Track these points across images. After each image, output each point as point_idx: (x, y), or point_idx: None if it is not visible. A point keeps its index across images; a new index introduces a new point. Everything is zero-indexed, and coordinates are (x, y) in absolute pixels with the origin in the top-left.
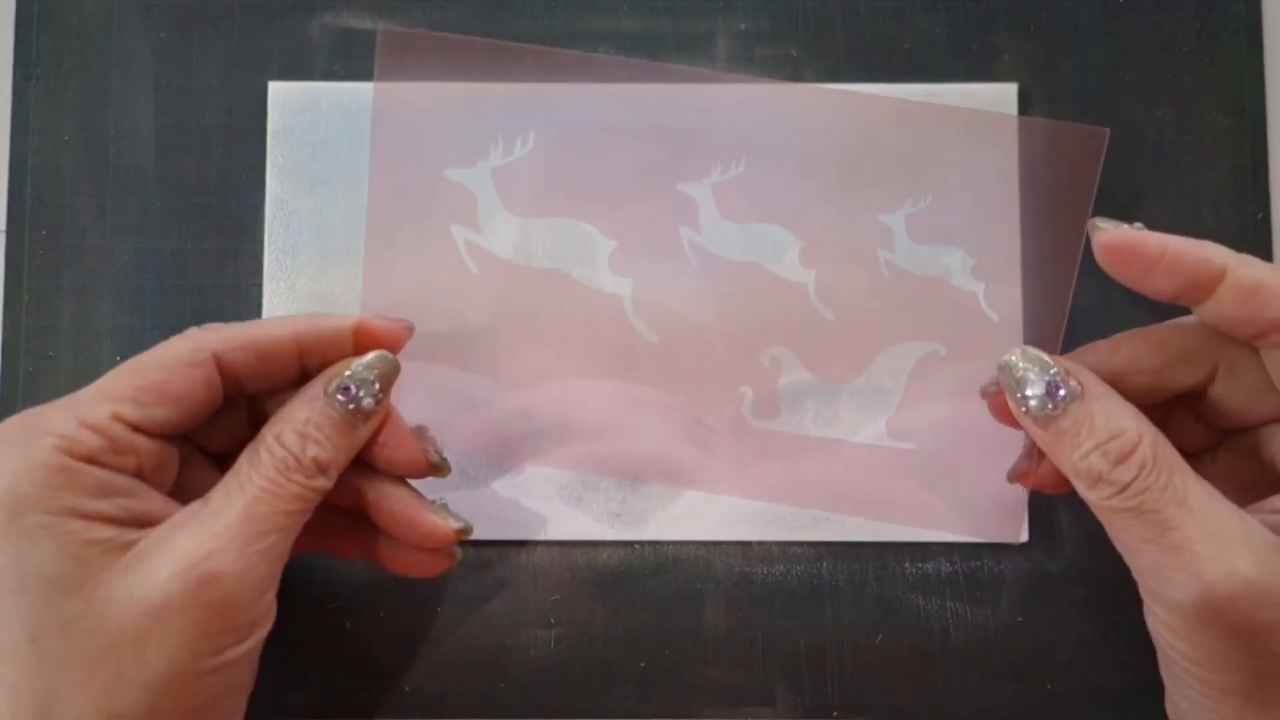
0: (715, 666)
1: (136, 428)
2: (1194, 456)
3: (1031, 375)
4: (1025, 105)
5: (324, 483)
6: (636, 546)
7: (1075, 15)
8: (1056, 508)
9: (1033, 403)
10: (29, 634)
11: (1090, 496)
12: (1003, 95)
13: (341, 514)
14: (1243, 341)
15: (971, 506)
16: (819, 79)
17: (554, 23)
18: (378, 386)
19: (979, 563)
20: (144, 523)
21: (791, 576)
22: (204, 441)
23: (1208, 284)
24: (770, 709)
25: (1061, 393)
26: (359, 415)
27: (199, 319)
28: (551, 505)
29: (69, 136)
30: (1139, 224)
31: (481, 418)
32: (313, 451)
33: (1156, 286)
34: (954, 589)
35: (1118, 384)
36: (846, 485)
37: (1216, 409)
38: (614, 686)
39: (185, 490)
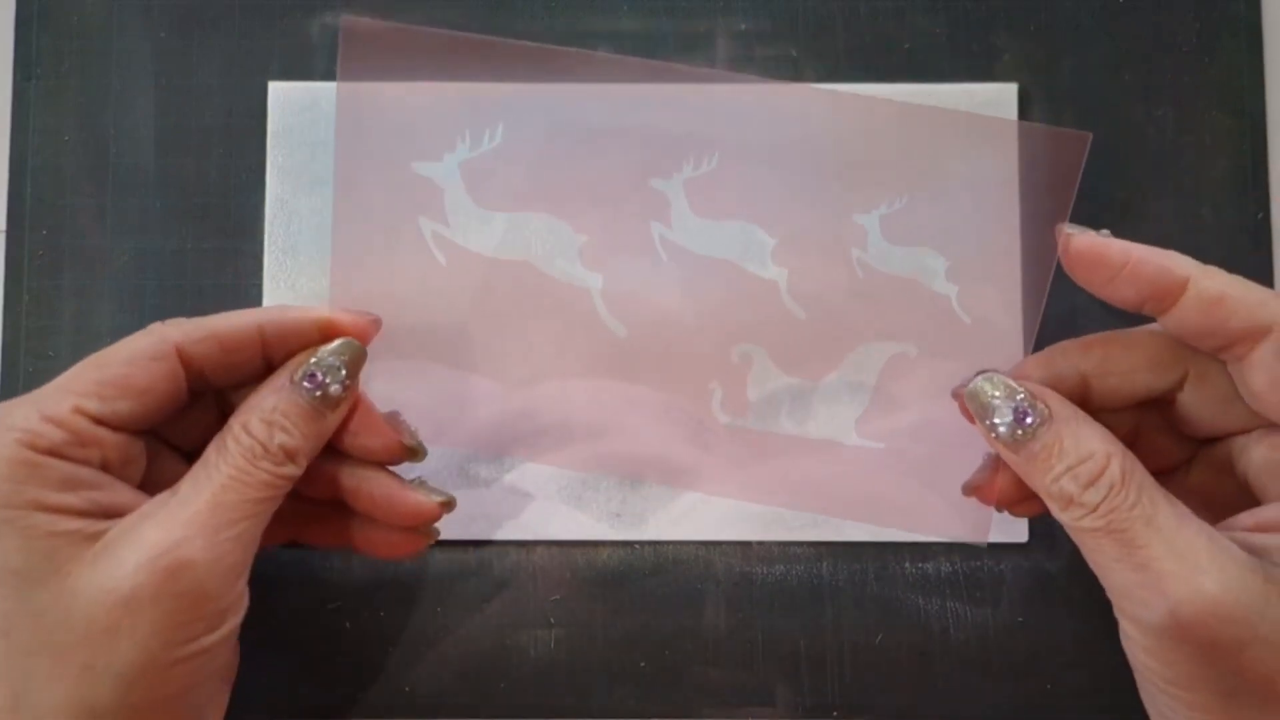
0: (715, 666)
1: (100, 421)
2: (1168, 472)
3: (998, 402)
4: (1025, 105)
5: (292, 470)
6: (636, 546)
7: (1075, 15)
8: None
9: (1001, 429)
10: (0, 627)
11: (1063, 518)
12: (1003, 95)
13: (318, 504)
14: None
15: (967, 508)
16: (819, 79)
17: (554, 22)
18: (344, 373)
19: (979, 563)
20: (111, 514)
21: (791, 576)
22: (172, 436)
23: (1170, 294)
24: (770, 709)
25: (1029, 419)
26: (326, 402)
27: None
28: (551, 505)
29: (69, 136)
30: (1105, 231)
31: (481, 418)
32: (280, 439)
33: (1120, 295)
34: (954, 589)
35: (1088, 385)
36: (844, 487)
37: (1187, 418)
38: (614, 686)
39: (154, 484)
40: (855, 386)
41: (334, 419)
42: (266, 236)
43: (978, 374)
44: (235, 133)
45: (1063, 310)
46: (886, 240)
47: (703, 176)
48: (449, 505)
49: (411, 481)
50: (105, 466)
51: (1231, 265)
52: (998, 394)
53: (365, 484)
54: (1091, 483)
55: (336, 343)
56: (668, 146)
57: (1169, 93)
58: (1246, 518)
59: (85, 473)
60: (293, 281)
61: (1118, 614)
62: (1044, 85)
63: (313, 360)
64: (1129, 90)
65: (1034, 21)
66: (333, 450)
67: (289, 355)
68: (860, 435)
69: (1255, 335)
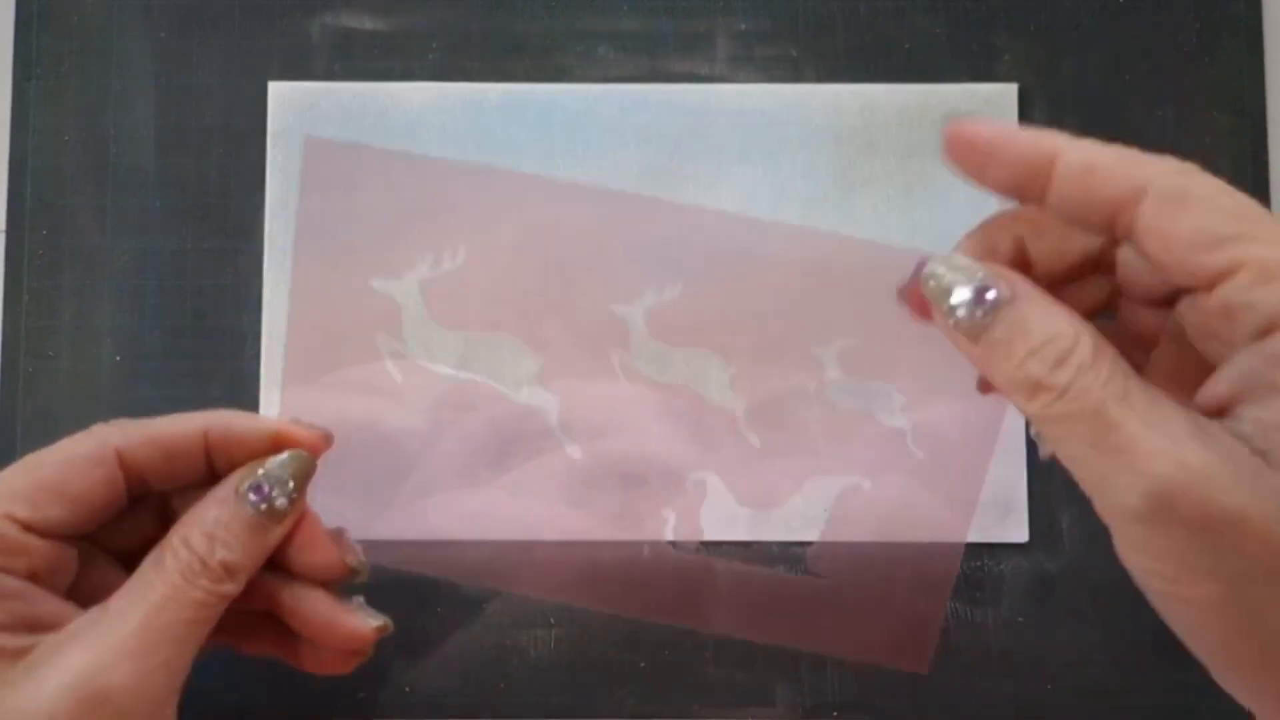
0: (715, 666)
1: (30, 527)
2: (1138, 350)
3: (958, 280)
4: (1025, 105)
5: (231, 588)
6: (637, 546)
7: (1075, 15)
8: (1056, 508)
9: (960, 312)
10: None
11: (1030, 409)
12: (1003, 95)
13: (251, 614)
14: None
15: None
16: (819, 79)
17: (554, 22)
18: (291, 486)
19: (979, 563)
20: (36, 628)
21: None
22: (108, 541)
23: (1041, 170)
24: (770, 709)
25: (991, 295)
26: (271, 517)
27: (199, 319)
28: (551, 505)
29: (69, 136)
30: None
31: (482, 418)
32: (221, 554)
33: (997, 180)
34: (954, 589)
35: (1025, 253)
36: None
37: (1131, 280)
38: (614, 686)
39: (85, 592)
40: (807, 518)
41: (278, 534)
42: (266, 236)
43: (926, 259)
44: (235, 133)
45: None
46: (844, 374)
47: (665, 303)
48: (384, 629)
49: (350, 601)
50: (33, 576)
51: None
52: (956, 273)
53: (303, 603)
54: (1060, 362)
55: (285, 455)
56: (631, 273)
57: (1169, 93)
58: (1212, 385)
59: (10, 583)
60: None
61: (1102, 515)
62: (1044, 85)
63: (260, 472)
64: (1129, 90)
65: (1034, 21)
66: (272, 564)
67: (234, 464)
68: (811, 567)
69: (1133, 200)
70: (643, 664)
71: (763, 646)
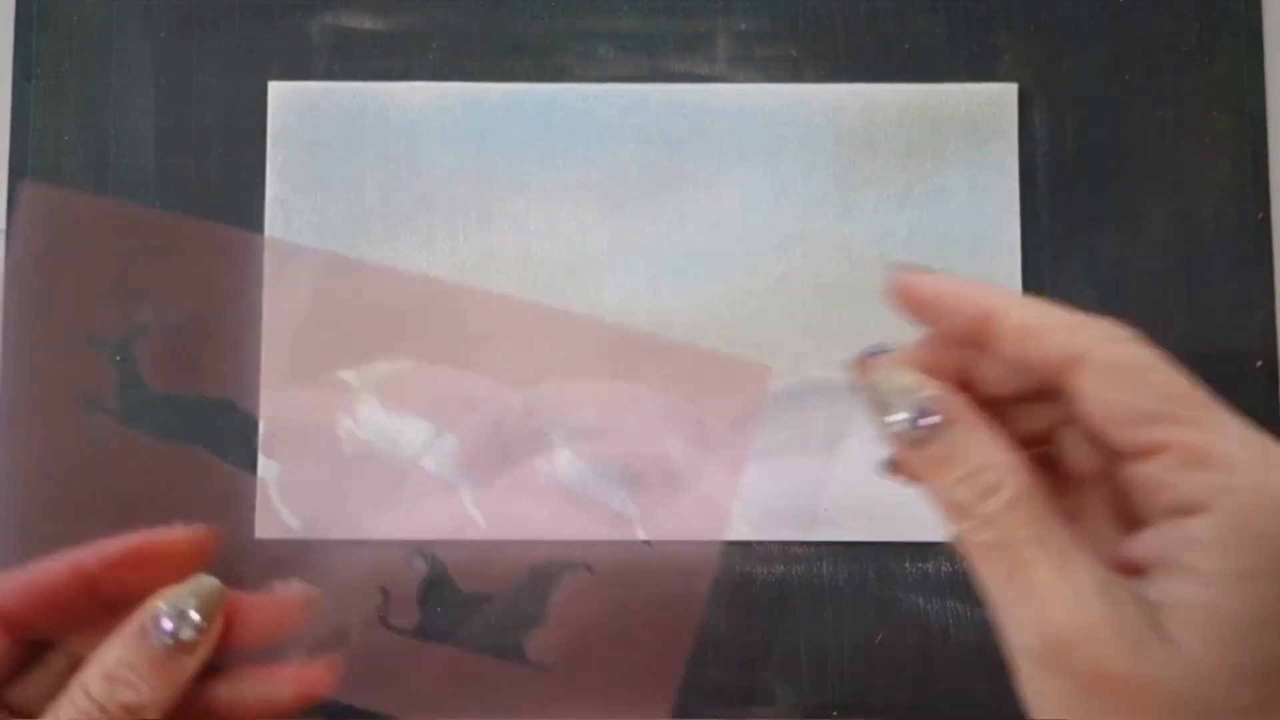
0: (715, 666)
1: None
2: (1074, 489)
3: (898, 402)
4: (1025, 105)
5: None
6: (637, 546)
7: (1075, 15)
8: None
9: (897, 427)
10: None
11: (958, 531)
12: (1003, 95)
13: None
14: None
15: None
16: (819, 79)
17: (554, 22)
18: (198, 618)
19: None
20: None
21: (791, 576)
22: (13, 699)
23: (984, 327)
24: (770, 709)
25: (928, 421)
26: (180, 649)
27: (199, 318)
28: (551, 505)
29: (69, 136)
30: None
31: (482, 418)
32: (123, 696)
33: (941, 328)
34: (954, 589)
35: (970, 369)
36: (844, 488)
37: (1074, 414)
38: (614, 687)
39: None
40: (530, 602)
41: (192, 663)
42: (266, 237)
43: (870, 353)
44: (235, 133)
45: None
46: (573, 456)
47: None
48: (310, 599)
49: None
50: None
51: (1231, 265)
52: (897, 392)
53: (244, 693)
54: (988, 494)
55: (190, 583)
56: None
57: (1169, 93)
58: (1131, 545)
59: None
60: (293, 281)
61: (1004, 644)
62: (1044, 85)
63: (161, 605)
64: (1129, 90)
65: (1034, 21)
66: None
67: (128, 593)
68: (532, 656)
69: (1069, 365)
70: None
71: (763, 646)
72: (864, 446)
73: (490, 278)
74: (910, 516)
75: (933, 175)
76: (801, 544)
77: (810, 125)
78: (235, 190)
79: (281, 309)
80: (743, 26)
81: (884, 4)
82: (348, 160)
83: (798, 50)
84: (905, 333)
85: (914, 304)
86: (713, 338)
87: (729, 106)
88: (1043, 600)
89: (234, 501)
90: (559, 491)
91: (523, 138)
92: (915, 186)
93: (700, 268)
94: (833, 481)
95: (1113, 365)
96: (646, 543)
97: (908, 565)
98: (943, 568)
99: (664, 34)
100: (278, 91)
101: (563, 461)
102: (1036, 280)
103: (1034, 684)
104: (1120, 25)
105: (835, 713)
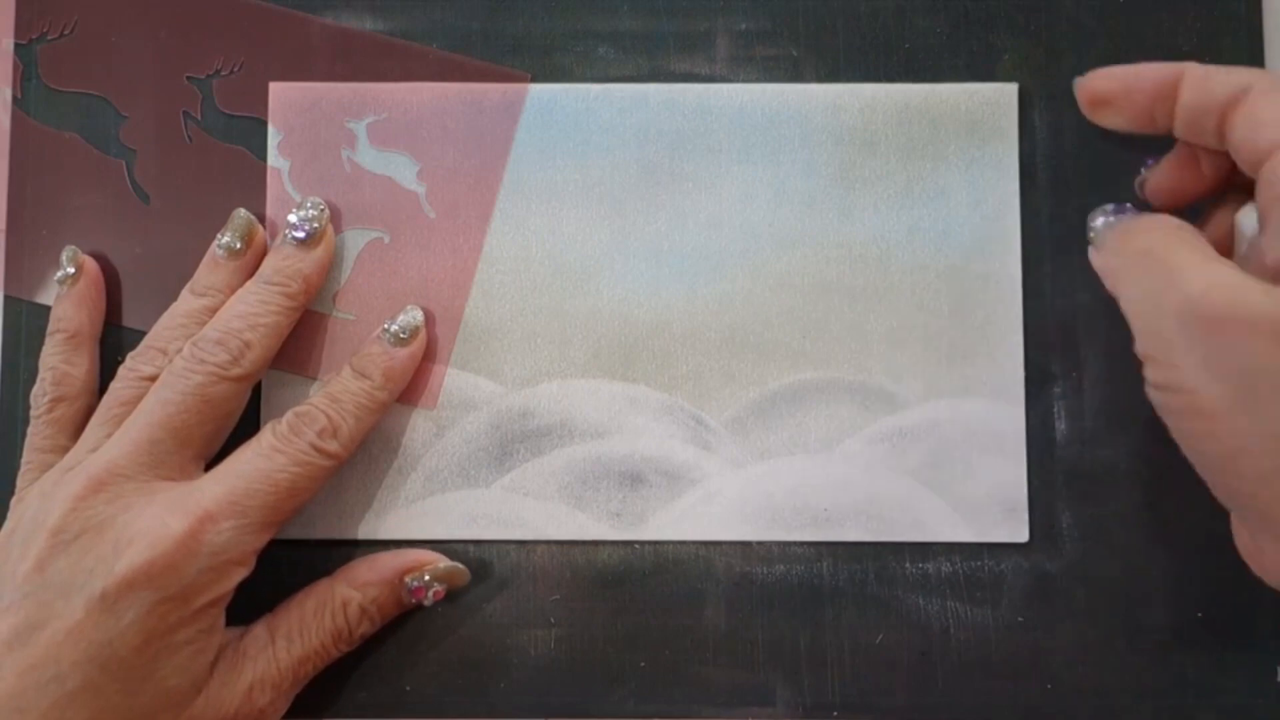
0: (715, 666)
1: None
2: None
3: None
4: (1025, 105)
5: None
6: (636, 546)
7: (1075, 15)
8: (1056, 508)
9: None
10: None
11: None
12: (1003, 95)
13: None
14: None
15: (979, 508)
16: (819, 79)
17: (554, 23)
18: (440, 587)
19: (979, 563)
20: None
21: (791, 576)
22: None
23: (1170, 88)
24: (770, 709)
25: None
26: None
27: None
28: (551, 505)
29: (69, 136)
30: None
31: (482, 418)
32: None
33: (1133, 114)
34: (954, 589)
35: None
36: (843, 488)
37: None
38: (614, 686)
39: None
40: (339, 266)
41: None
42: (266, 237)
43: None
44: (235, 133)
45: (1064, 310)
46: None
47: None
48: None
49: None
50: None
51: None
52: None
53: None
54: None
55: (444, 565)
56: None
57: None
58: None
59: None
60: None
61: (1141, 340)
62: (1044, 85)
63: (425, 577)
64: None
65: (1034, 21)
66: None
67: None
68: (338, 310)
69: (1241, 96)
70: (643, 664)
71: (763, 646)
72: (864, 446)
73: (490, 277)
74: (910, 516)
75: (933, 175)
76: (801, 544)
77: (810, 125)
78: (235, 190)
79: None
80: (743, 26)
81: (884, 4)
82: (348, 160)
83: (798, 50)
84: (904, 331)
85: (1106, 98)
86: (713, 337)
87: (729, 106)
88: (1186, 274)
89: None
90: (559, 491)
91: (522, 137)
92: (915, 186)
93: (700, 267)
94: (833, 481)
95: (1273, 85)
96: (647, 543)
97: (908, 565)
98: (943, 568)
99: (664, 34)
100: (278, 91)
101: (562, 462)
102: (1036, 280)
103: (1170, 351)
104: (1120, 25)
105: (835, 713)
